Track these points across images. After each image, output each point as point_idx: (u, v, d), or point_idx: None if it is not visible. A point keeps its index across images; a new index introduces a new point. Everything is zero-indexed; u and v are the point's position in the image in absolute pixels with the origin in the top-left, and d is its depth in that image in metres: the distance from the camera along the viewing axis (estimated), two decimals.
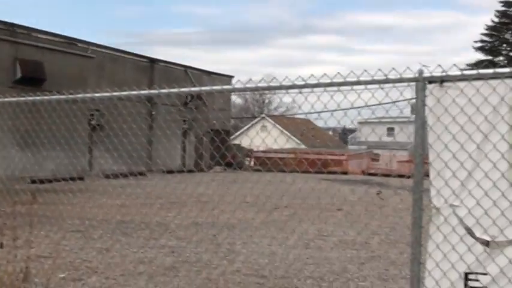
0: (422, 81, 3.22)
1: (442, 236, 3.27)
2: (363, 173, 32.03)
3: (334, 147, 48.63)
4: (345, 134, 64.35)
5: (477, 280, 3.22)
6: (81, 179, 17.55)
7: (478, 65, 36.34)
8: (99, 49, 25.41)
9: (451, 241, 3.25)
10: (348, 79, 3.39)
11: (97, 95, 4.78)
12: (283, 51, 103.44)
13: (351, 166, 33.76)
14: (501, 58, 42.44)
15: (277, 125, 51.43)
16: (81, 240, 8.60)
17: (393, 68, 3.26)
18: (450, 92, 3.19)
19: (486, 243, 3.19)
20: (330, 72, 3.39)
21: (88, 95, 4.88)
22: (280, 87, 3.73)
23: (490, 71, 3.12)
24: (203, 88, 4.47)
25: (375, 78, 3.31)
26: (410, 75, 3.26)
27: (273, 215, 11.63)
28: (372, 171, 31.87)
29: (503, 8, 42.46)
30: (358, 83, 3.40)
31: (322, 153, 34.90)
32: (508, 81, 3.08)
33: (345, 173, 29.28)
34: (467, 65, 36.96)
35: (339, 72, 3.33)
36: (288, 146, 42.18)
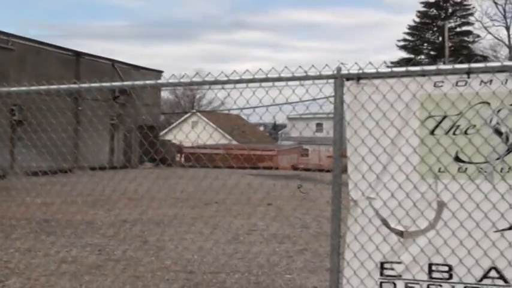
0: (340, 78, 3.33)
1: (360, 228, 3.41)
2: (293, 167, 32.60)
3: (265, 143, 49.16)
4: (275, 130, 65.16)
5: (392, 269, 3.38)
6: (2, 177, 16.80)
7: (401, 63, 37.77)
8: (20, 41, 24.36)
9: (368, 232, 3.39)
10: (270, 75, 3.45)
11: (23, 88, 4.55)
12: (214, 47, 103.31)
13: (281, 161, 34.28)
14: (423, 57, 44.34)
15: (208, 121, 51.31)
16: (0, 240, 8.26)
17: (313, 65, 3.36)
18: (366, 89, 3.33)
19: (400, 234, 3.36)
20: (262, 68, 3.43)
21: (14, 88, 4.63)
22: (215, 82, 3.68)
23: (403, 69, 3.27)
24: (136, 82, 4.31)
25: (295, 75, 3.39)
26: (329, 73, 3.37)
27: (203, 210, 11.62)
28: (302, 166, 32.50)
29: (424, 9, 44.39)
30: (280, 79, 3.47)
31: (253, 148, 35.22)
32: (419, 79, 3.25)
33: (275, 168, 29.69)
34: (392, 63, 38.33)
35: (260, 69, 3.38)
36: (222, 141, 42.21)
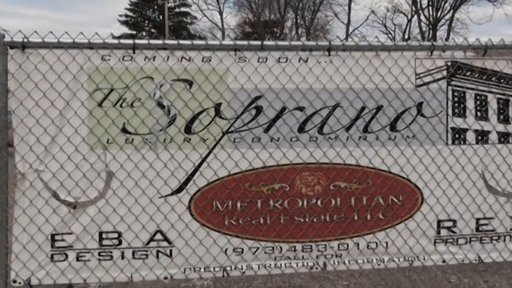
0: (2, 46, 3.16)
1: (28, 201, 3.32)
2: None
3: None
4: None
5: (63, 240, 3.39)
6: None
7: (123, 37, 37.70)
8: None
9: (37, 205, 3.33)
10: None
11: None
12: None
13: None
14: (144, 34, 45.06)
15: None
16: None
17: None
18: (32, 59, 3.22)
19: (71, 205, 3.38)
20: None
21: None
22: None
23: (70, 40, 3.25)
24: None
25: None
26: None
27: None
28: None
29: None
30: None
31: None
32: (86, 51, 3.28)
33: None
34: (114, 37, 38.01)
35: None
36: None
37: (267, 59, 3.46)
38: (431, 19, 45.64)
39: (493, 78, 3.74)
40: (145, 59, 3.34)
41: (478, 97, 3.75)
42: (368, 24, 63.22)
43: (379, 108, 3.58)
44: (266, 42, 3.45)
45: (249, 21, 50.86)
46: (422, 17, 46.30)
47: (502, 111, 3.77)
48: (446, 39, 43.31)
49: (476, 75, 3.74)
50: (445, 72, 3.67)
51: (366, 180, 3.58)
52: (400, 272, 5.12)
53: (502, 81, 3.77)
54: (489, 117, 3.75)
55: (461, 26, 61.24)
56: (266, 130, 3.49)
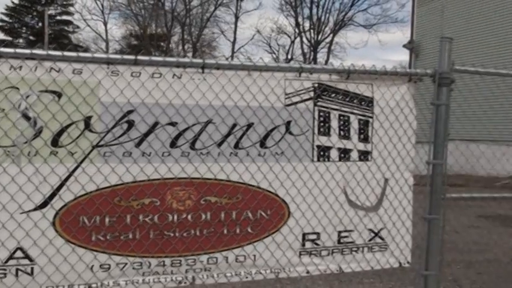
0: None
1: None
2: None
3: None
4: None
5: None
6: None
7: None
8: None
9: None
10: None
11: None
12: None
13: None
14: (21, 40, 42.73)
15: None
16: None
17: None
18: None
19: None
20: None
21: None
22: None
23: None
24: None
25: None
26: None
27: None
28: None
29: None
30: None
31: None
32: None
33: None
34: None
35: None
36: None
37: (140, 73, 3.46)
38: (312, 41, 47.88)
39: (355, 101, 4.03)
40: (10, 68, 3.20)
41: (341, 117, 4.02)
42: (254, 43, 65.05)
43: (249, 125, 3.71)
44: (140, 57, 3.45)
45: (134, 34, 50.11)
46: (304, 39, 48.45)
47: (362, 131, 4.07)
48: (326, 61, 45.68)
49: (340, 97, 4.00)
50: (312, 93, 3.89)
51: (236, 195, 3.68)
52: (272, 284, 5.29)
53: (362, 103, 4.07)
54: (351, 137, 4.03)
55: (340, 50, 64.88)
56: (138, 145, 3.48)
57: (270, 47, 54.46)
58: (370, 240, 4.09)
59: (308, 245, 3.90)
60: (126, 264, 3.48)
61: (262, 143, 3.74)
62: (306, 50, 48.27)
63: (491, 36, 23.34)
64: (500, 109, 16.62)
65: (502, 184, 19.05)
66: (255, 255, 3.75)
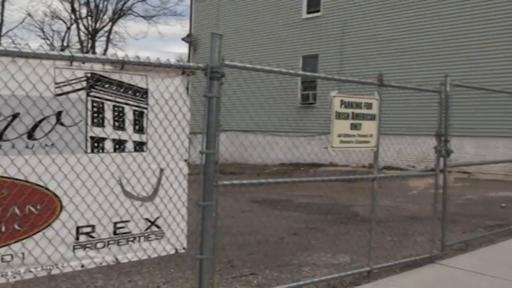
0: None
1: None
2: None
3: None
4: None
5: None
6: None
7: None
8: None
9: None
10: None
11: None
12: None
13: None
14: None
15: None
16: None
17: None
18: None
19: None
20: None
21: None
22: None
23: None
24: None
25: None
26: None
27: None
28: None
29: None
30: None
31: None
32: None
33: None
34: None
35: None
36: None
37: None
38: (90, 29, 46.12)
39: (130, 92, 4.04)
40: None
41: (116, 108, 3.99)
42: (25, 27, 60.27)
43: (15, 115, 3.47)
44: None
45: None
46: (81, 27, 46.42)
47: (137, 122, 4.10)
48: (105, 51, 44.44)
49: (114, 88, 3.97)
50: (84, 83, 3.79)
51: (1, 190, 3.42)
52: (46, 283, 5.03)
53: (137, 94, 4.09)
54: (126, 128, 4.03)
55: (119, 39, 63.73)
56: None
57: (44, 32, 51.08)
58: (147, 229, 4.15)
59: (82, 238, 3.80)
60: None
61: (30, 135, 3.53)
62: (83, 38, 46.32)
63: (261, 33, 25.25)
64: (265, 102, 18.10)
65: (271, 171, 20.84)
66: (23, 253, 3.53)
